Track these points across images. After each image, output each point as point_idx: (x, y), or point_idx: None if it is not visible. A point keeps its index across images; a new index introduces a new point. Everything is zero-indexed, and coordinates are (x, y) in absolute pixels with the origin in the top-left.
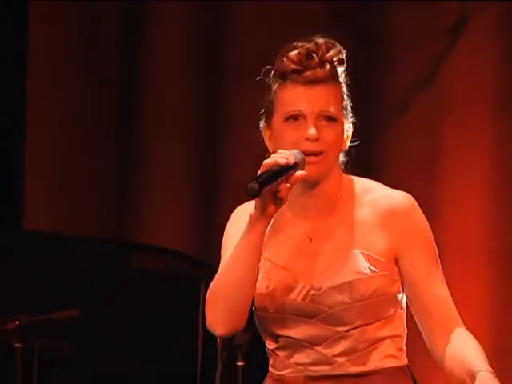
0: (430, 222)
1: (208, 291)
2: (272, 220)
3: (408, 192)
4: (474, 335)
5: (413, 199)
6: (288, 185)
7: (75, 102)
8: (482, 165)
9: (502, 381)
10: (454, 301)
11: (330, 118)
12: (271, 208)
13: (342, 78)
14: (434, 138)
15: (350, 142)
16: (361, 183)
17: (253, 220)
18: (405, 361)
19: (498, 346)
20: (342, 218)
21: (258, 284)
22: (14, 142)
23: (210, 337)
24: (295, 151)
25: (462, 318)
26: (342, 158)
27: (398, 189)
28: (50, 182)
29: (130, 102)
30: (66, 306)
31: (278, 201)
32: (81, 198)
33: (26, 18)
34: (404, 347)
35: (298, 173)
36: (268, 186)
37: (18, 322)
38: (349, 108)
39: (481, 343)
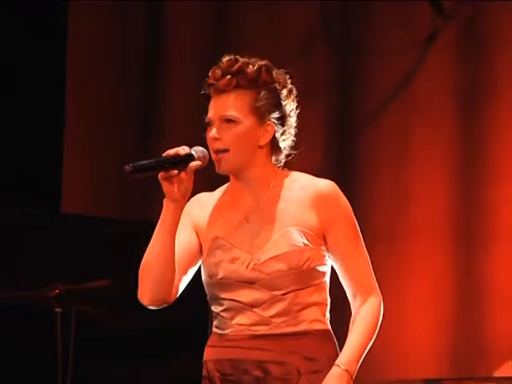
0: (401, 205)
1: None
2: (218, 204)
3: (382, 178)
4: (438, 300)
5: (336, 186)
6: (183, 172)
7: (107, 104)
8: (445, 155)
9: (464, 344)
10: (423, 279)
11: (230, 120)
12: (175, 193)
13: (252, 86)
14: (405, 134)
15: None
16: (293, 174)
17: (164, 203)
18: (328, 326)
19: (458, 310)
20: (275, 201)
21: (207, 256)
22: (53, 138)
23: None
24: (199, 148)
25: (430, 293)
26: (283, 154)
27: (374, 174)
28: (85, 172)
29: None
30: (98, 277)
31: (181, 186)
32: (111, 185)
33: (67, 20)
34: (328, 315)
35: (193, 163)
36: (144, 172)
37: (57, 291)
38: (272, 112)
39: (443, 308)
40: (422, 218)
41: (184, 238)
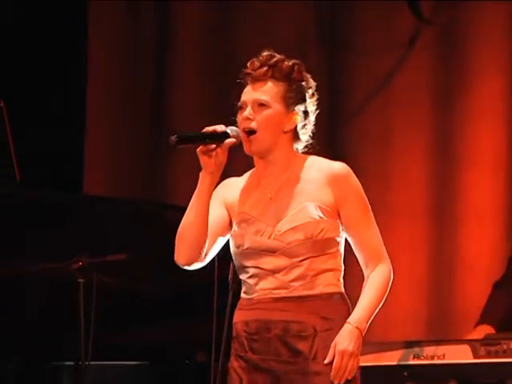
0: (382, 191)
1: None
2: (245, 184)
3: (366, 167)
4: (414, 273)
5: (349, 168)
6: (219, 148)
7: (124, 99)
8: (422, 145)
9: (438, 311)
10: (402, 252)
11: (262, 104)
12: (211, 166)
13: (285, 79)
14: (386, 127)
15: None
16: (311, 158)
17: (201, 175)
18: (342, 290)
19: (433, 281)
20: (294, 181)
21: (235, 229)
22: (75, 128)
23: (223, 275)
24: (234, 127)
25: (408, 265)
26: (301, 145)
27: (359, 161)
28: (104, 158)
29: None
30: (116, 251)
31: (216, 160)
32: (127, 169)
33: (86, 21)
34: (341, 280)
35: (228, 140)
36: (186, 143)
37: (81, 263)
38: (299, 104)
39: (420, 279)
40: (401, 201)
41: (215, 213)
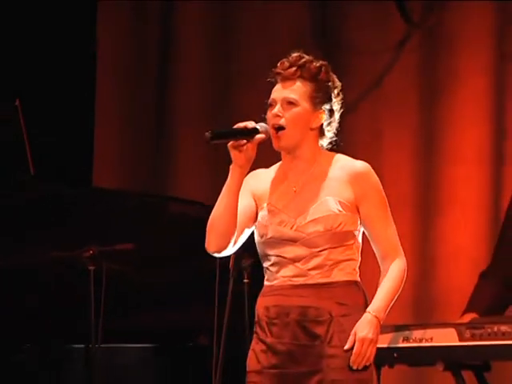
0: None
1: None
2: (272, 177)
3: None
4: (404, 262)
5: (370, 167)
6: (250, 143)
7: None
8: (411, 141)
9: (423, 295)
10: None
11: (291, 103)
12: (241, 160)
13: (312, 79)
14: (377, 124)
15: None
16: (336, 156)
17: (231, 169)
18: (357, 278)
19: (419, 266)
20: (318, 176)
21: (260, 219)
22: (85, 119)
23: (224, 263)
24: (263, 124)
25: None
26: (325, 141)
27: (351, 157)
28: (113, 155)
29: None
30: (125, 240)
31: (246, 154)
32: (133, 165)
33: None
34: (357, 269)
35: (258, 136)
36: (220, 139)
37: (91, 252)
38: (325, 104)
39: (408, 270)
40: (391, 193)
41: (244, 204)
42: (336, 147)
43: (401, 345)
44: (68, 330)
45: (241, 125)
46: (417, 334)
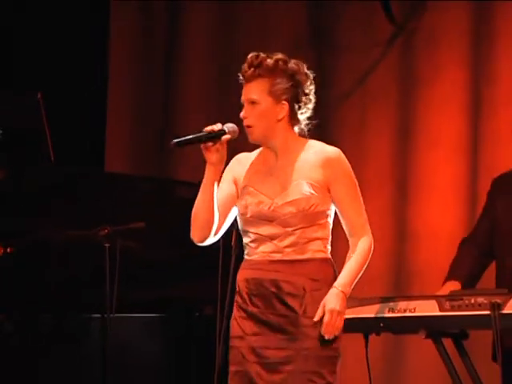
0: (357, 169)
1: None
2: (252, 162)
3: (345, 147)
4: (383, 236)
5: (341, 152)
6: (218, 144)
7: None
8: (392, 128)
9: (403, 270)
10: (371, 215)
11: (253, 102)
12: (213, 159)
13: (270, 74)
14: (362, 115)
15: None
16: (310, 142)
17: (206, 167)
18: (328, 256)
19: (399, 244)
20: (293, 161)
21: (240, 200)
22: (98, 111)
23: (227, 240)
24: (230, 124)
25: (375, 225)
26: (302, 124)
27: (339, 144)
28: (123, 141)
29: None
30: (137, 220)
31: (217, 154)
32: (142, 150)
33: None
34: (329, 247)
35: (224, 137)
36: (185, 145)
37: (106, 231)
38: (286, 94)
39: (387, 242)
40: (375, 176)
41: (226, 191)
42: (312, 128)
43: (386, 315)
44: (85, 300)
45: (208, 128)
46: (401, 305)
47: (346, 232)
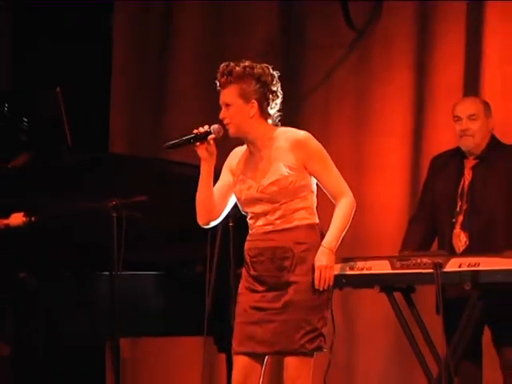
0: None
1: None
2: (243, 154)
3: (309, 132)
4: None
5: (309, 134)
6: (206, 143)
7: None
8: (351, 118)
9: (362, 241)
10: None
11: (228, 105)
12: (204, 156)
13: (239, 80)
14: (326, 106)
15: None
16: (282, 129)
17: (201, 163)
18: (314, 221)
19: (358, 217)
20: (269, 149)
21: (236, 187)
22: (101, 99)
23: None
24: (215, 125)
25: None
26: (275, 117)
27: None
28: (126, 122)
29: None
30: (141, 194)
31: (207, 152)
32: (143, 136)
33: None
34: (314, 212)
35: (210, 136)
36: (176, 147)
37: (114, 203)
38: (254, 94)
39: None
40: (335, 158)
41: (224, 180)
42: (283, 118)
43: (348, 272)
44: (96, 260)
45: (195, 131)
46: (359, 264)
47: (330, 198)
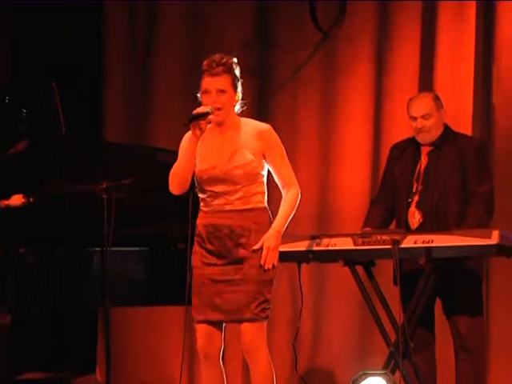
0: (291, 141)
1: (170, 172)
2: (207, 136)
3: (279, 123)
4: (310, 196)
5: (271, 127)
6: (204, 121)
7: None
8: (318, 110)
9: (327, 219)
10: (302, 176)
11: (222, 91)
12: (197, 133)
13: (231, 72)
14: (295, 99)
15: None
16: (247, 120)
17: (190, 138)
18: (266, 205)
19: (321, 198)
20: (236, 135)
21: (198, 166)
22: (96, 83)
23: (192, 192)
24: (209, 107)
25: (307, 189)
26: (238, 108)
27: (275, 123)
28: (122, 110)
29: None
30: (129, 177)
31: (200, 130)
32: (135, 123)
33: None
34: (266, 198)
35: (210, 116)
36: (193, 122)
37: (104, 185)
38: (238, 86)
39: (316, 200)
40: (303, 145)
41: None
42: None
43: (315, 248)
44: (88, 237)
45: (199, 110)
46: (325, 241)
47: (279, 186)
